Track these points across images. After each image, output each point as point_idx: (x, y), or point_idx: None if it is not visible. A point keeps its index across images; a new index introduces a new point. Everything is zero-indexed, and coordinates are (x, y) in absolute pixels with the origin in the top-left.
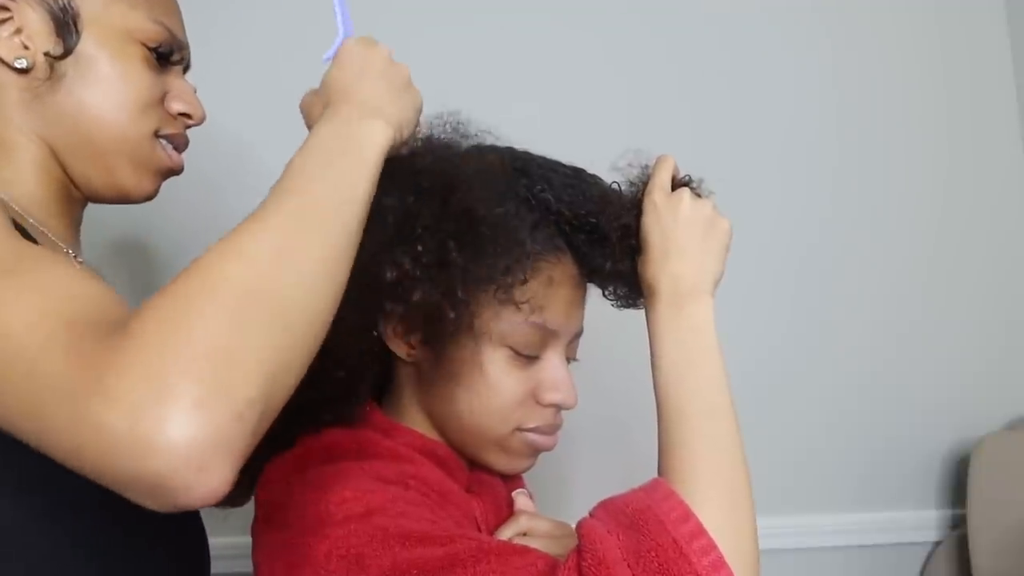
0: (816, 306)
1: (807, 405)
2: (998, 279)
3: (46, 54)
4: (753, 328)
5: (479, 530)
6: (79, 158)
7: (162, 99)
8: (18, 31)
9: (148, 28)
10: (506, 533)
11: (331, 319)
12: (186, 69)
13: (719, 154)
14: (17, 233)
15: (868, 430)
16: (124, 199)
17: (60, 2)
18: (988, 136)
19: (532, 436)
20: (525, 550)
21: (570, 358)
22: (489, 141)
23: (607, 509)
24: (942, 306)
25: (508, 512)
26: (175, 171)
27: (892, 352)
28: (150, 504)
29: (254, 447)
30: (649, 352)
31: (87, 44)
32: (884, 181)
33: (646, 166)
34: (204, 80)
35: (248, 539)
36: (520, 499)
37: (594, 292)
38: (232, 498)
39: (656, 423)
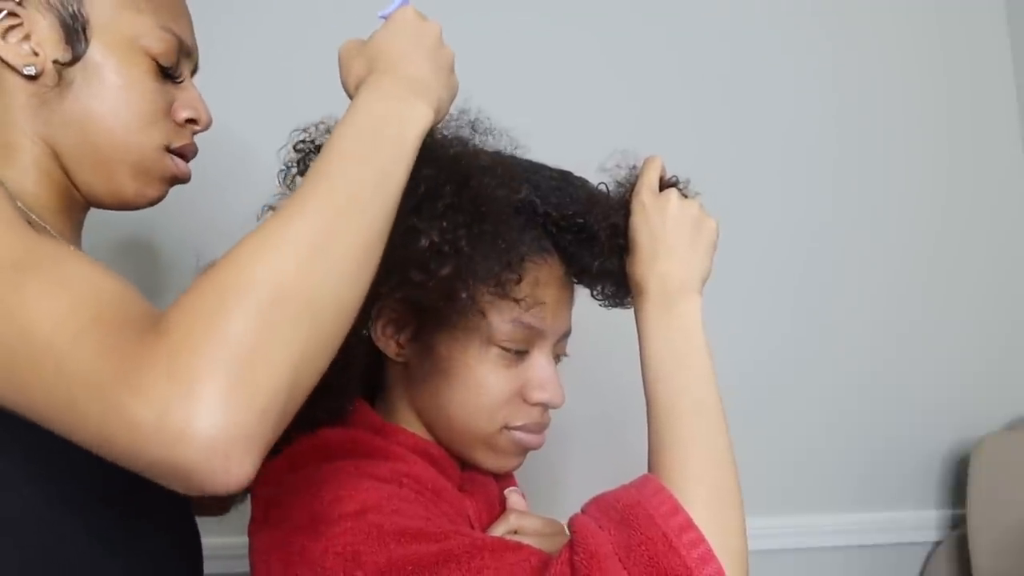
0: (816, 306)
1: (807, 405)
2: (998, 279)
3: (55, 61)
4: (753, 328)
5: (472, 528)
6: (82, 164)
7: (169, 108)
8: (27, 37)
9: (156, 35)
10: (497, 531)
11: (360, 306)
12: (194, 72)
13: (720, 155)
14: (31, 228)
15: (868, 430)
16: (124, 206)
17: (70, 9)
18: (988, 136)
19: (519, 434)
20: (519, 546)
21: (559, 355)
22: (501, 141)
23: (599, 505)
24: (942, 306)
25: (500, 510)
26: (181, 180)
27: (892, 352)
28: (178, 489)
29: (279, 436)
30: (638, 351)
31: (95, 51)
32: (884, 181)
33: (634, 167)
34: (209, 81)
35: (244, 540)
36: (512, 497)
37: (583, 292)
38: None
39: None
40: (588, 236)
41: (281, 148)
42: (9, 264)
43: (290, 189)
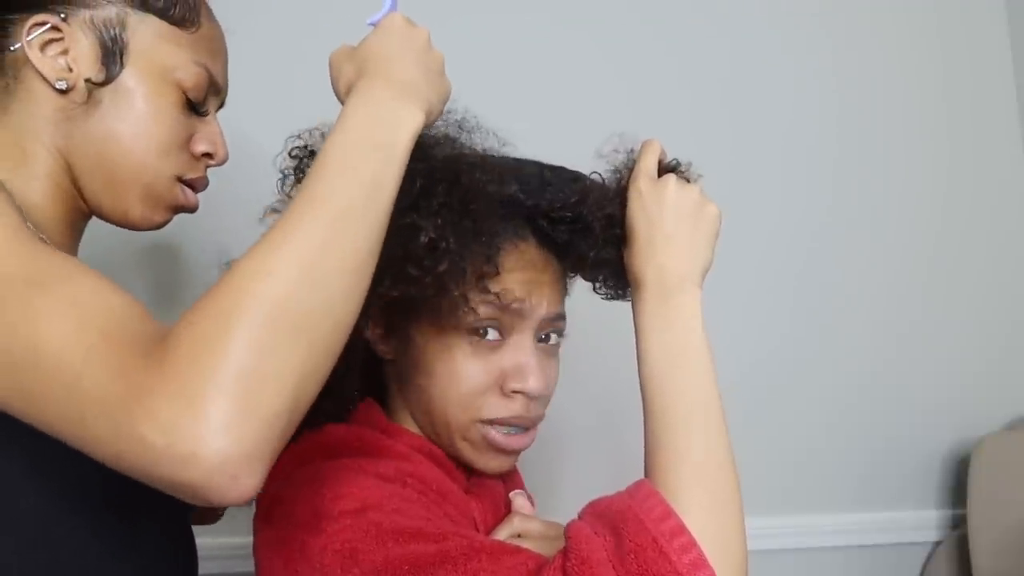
0: (816, 306)
1: (807, 405)
2: (998, 279)
3: (87, 80)
4: (753, 328)
5: (477, 530)
6: (95, 181)
7: (189, 140)
8: (64, 52)
9: (190, 69)
10: (500, 534)
11: (357, 316)
12: (219, 108)
13: (719, 155)
14: (40, 241)
15: (868, 430)
16: (128, 226)
17: (112, 32)
18: (988, 136)
19: (492, 432)
20: (517, 550)
21: (551, 334)
22: (490, 141)
23: (594, 510)
24: (942, 306)
25: (507, 513)
26: (188, 210)
27: (892, 352)
28: (187, 500)
29: (282, 448)
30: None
31: (128, 76)
32: (884, 181)
33: (631, 151)
34: None
35: (242, 540)
36: (517, 500)
37: (584, 289)
38: None
39: None
40: (583, 227)
41: (278, 155)
42: (20, 279)
43: (289, 196)
